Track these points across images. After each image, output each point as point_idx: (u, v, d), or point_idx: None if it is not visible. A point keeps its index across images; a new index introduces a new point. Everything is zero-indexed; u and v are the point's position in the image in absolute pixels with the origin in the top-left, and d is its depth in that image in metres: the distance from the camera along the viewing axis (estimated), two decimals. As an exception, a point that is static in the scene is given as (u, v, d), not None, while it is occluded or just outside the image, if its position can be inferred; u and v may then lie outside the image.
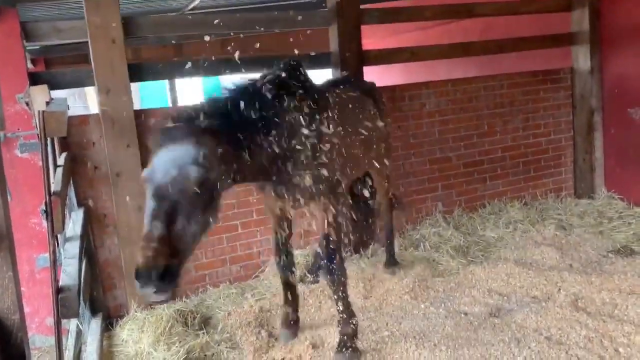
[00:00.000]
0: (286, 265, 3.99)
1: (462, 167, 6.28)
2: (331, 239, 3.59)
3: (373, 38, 10.13)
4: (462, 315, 4.16)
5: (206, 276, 5.16)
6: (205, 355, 3.95)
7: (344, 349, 3.61)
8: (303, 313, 4.50)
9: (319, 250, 4.27)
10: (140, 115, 4.80)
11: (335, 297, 3.65)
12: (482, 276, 4.80)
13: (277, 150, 3.17)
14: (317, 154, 3.39)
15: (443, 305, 4.37)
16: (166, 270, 2.50)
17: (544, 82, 6.53)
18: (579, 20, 6.39)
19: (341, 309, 3.66)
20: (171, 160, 2.65)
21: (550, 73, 6.57)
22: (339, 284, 3.61)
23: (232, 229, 5.23)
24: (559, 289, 4.34)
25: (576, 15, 6.41)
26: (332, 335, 3.91)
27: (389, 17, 5.78)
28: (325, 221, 3.59)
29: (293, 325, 4.07)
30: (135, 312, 4.55)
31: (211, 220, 2.79)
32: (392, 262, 5.08)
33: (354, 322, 3.70)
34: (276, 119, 3.16)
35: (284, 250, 3.99)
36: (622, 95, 6.25)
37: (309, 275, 5.06)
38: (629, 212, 5.92)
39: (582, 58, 6.45)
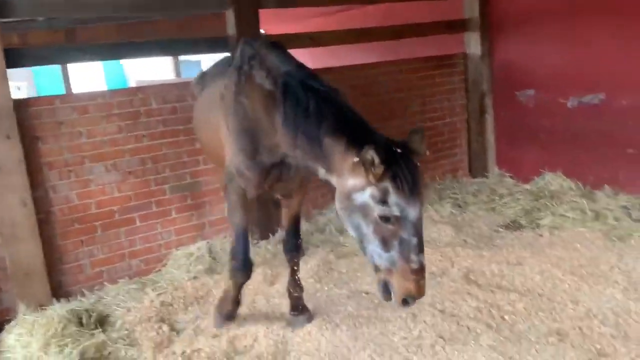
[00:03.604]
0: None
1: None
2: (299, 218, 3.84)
3: (275, 24, 10.06)
4: (364, 294, 4.27)
5: (103, 273, 4.91)
6: (102, 354, 3.75)
7: (299, 311, 3.89)
8: (207, 304, 4.42)
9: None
10: (21, 104, 4.45)
11: (296, 268, 3.89)
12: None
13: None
14: None
15: (346, 286, 4.45)
16: None
17: (439, 67, 6.80)
18: (470, 6, 6.70)
19: (298, 276, 3.92)
20: None
21: (445, 58, 6.85)
22: (300, 257, 3.93)
23: (129, 222, 5.00)
24: (453, 264, 4.56)
25: (467, 2, 6.71)
26: (233, 329, 3.86)
27: (286, 2, 5.74)
28: (298, 203, 3.76)
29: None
30: (24, 315, 4.24)
31: None
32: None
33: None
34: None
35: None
36: (511, 79, 6.64)
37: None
38: (517, 189, 6.32)
39: (473, 44, 6.77)
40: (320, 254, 5.14)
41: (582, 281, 4.03)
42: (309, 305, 4.02)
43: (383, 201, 2.58)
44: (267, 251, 5.23)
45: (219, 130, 3.59)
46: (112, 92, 5.15)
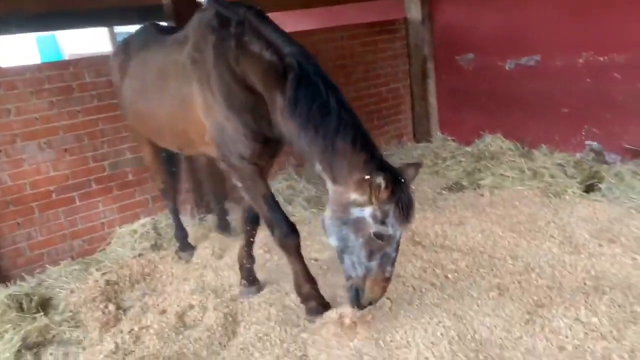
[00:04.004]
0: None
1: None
2: None
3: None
4: (313, 261, 4.29)
5: (44, 255, 4.74)
6: (45, 338, 3.65)
7: (250, 282, 3.88)
8: (154, 281, 4.36)
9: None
10: None
11: (252, 240, 3.88)
12: (332, 223, 4.98)
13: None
14: None
15: (295, 255, 4.47)
16: None
17: (381, 33, 6.79)
18: (410, -29, 6.68)
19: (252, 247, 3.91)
20: None
21: (386, 24, 6.84)
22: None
23: (69, 202, 4.83)
24: (399, 227, 4.65)
25: (406, -34, 6.69)
26: (183, 302, 3.82)
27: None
28: (267, 171, 3.63)
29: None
30: (-40, 304, 4.05)
31: None
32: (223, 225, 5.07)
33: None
34: None
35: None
36: (451, 43, 6.71)
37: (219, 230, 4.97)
38: (459, 152, 6.47)
39: (414, 8, 6.78)
40: (268, 225, 5.14)
41: (521, 237, 4.20)
42: (259, 276, 4.02)
43: (382, 222, 2.83)
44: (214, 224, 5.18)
45: (187, 101, 3.36)
46: (41, 66, 4.89)
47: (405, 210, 2.84)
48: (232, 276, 4.15)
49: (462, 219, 4.66)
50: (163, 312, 3.77)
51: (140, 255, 4.68)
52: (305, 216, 5.28)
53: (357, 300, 3.02)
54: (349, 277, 3.03)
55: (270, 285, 3.96)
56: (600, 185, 4.93)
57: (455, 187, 5.63)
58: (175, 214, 4.70)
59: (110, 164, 5.03)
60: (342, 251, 3.01)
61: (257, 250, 4.56)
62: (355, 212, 2.87)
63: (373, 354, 2.97)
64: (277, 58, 3.01)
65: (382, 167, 2.81)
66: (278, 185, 5.93)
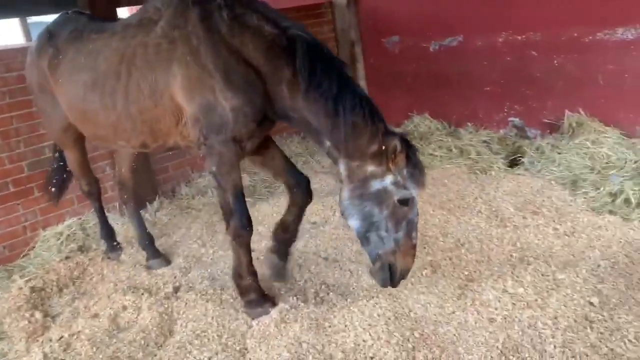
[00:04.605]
0: None
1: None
2: None
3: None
4: (250, 252, 4.25)
5: (-40, 265, 4.43)
6: (-35, 355, 3.43)
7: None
8: (84, 284, 4.18)
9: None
10: None
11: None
12: (268, 212, 4.95)
13: None
14: None
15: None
16: None
17: (308, 17, 6.73)
18: (333, -47, 6.66)
19: None
20: None
21: (312, 8, 6.80)
22: None
23: (-16, 207, 4.53)
24: (334, 212, 4.68)
25: (330, -51, 6.67)
26: (115, 304, 3.67)
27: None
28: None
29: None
30: None
31: None
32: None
33: None
34: None
35: None
36: (377, 26, 6.76)
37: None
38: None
39: (339, -8, 6.78)
40: (203, 218, 5.03)
41: (451, 214, 4.33)
42: (195, 272, 3.94)
43: (404, 186, 2.88)
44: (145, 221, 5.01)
45: (160, 86, 3.13)
46: (-58, 62, 4.52)
47: (421, 170, 2.93)
48: (166, 273, 4.04)
49: (395, 200, 4.74)
50: (95, 316, 3.61)
51: (67, 258, 4.45)
52: (240, 206, 5.20)
53: (392, 279, 3.01)
54: (376, 258, 3.00)
55: (206, 280, 3.88)
56: (523, 160, 5.16)
57: (388, 169, 5.71)
58: (102, 212, 4.50)
59: (29, 164, 4.74)
60: (366, 231, 2.98)
61: (191, 245, 4.49)
62: (376, 184, 2.90)
63: (312, 341, 2.98)
64: (280, 31, 2.95)
65: (395, 135, 2.89)
66: (208, 176, 5.81)
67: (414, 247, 3.00)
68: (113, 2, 5.02)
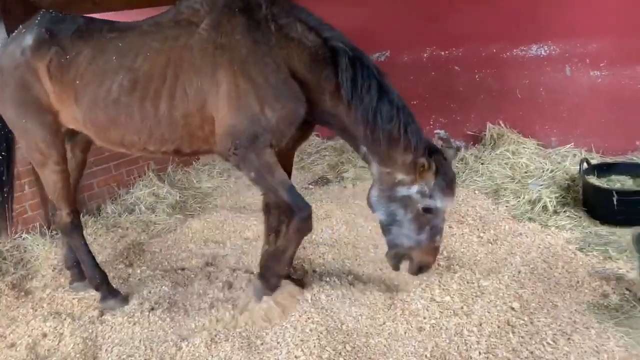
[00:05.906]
0: None
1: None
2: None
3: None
4: (180, 271, 4.15)
5: None
6: None
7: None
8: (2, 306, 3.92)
9: None
10: None
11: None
12: (198, 228, 4.86)
13: None
14: None
15: (160, 266, 4.28)
16: None
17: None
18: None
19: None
20: None
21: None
22: None
23: None
24: (267, 227, 4.65)
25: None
26: (34, 331, 3.47)
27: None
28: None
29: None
30: None
31: None
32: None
33: None
34: None
35: None
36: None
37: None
38: (323, 147, 6.65)
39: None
40: (130, 236, 4.87)
41: (381, 226, 4.40)
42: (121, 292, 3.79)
43: (430, 196, 3.06)
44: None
45: (205, 91, 3.05)
46: None
47: (449, 184, 3.09)
48: (91, 296, 3.85)
49: (328, 212, 4.78)
50: (12, 345, 3.38)
51: (-20, 284, 4.16)
52: (170, 224, 5.07)
53: (398, 266, 3.29)
54: (394, 246, 3.23)
55: (134, 301, 3.74)
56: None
57: (321, 181, 5.77)
58: (88, 252, 3.82)
59: None
60: (389, 224, 3.19)
61: (117, 266, 4.32)
62: (402, 190, 3.10)
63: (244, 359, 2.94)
64: (321, 42, 3.02)
65: (429, 149, 3.06)
66: (139, 193, 5.64)
67: (435, 248, 3.21)
68: (26, 10, 4.74)
